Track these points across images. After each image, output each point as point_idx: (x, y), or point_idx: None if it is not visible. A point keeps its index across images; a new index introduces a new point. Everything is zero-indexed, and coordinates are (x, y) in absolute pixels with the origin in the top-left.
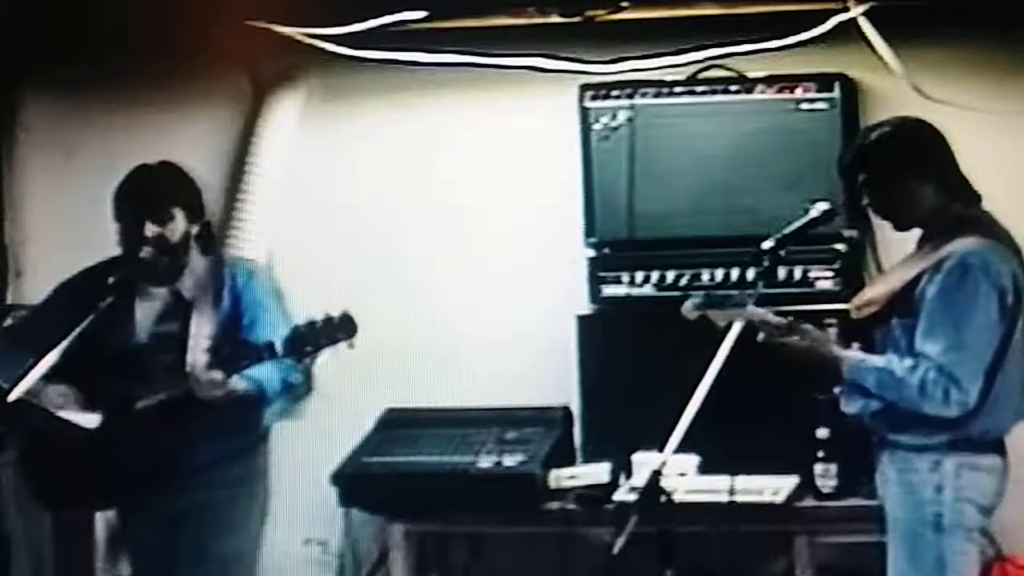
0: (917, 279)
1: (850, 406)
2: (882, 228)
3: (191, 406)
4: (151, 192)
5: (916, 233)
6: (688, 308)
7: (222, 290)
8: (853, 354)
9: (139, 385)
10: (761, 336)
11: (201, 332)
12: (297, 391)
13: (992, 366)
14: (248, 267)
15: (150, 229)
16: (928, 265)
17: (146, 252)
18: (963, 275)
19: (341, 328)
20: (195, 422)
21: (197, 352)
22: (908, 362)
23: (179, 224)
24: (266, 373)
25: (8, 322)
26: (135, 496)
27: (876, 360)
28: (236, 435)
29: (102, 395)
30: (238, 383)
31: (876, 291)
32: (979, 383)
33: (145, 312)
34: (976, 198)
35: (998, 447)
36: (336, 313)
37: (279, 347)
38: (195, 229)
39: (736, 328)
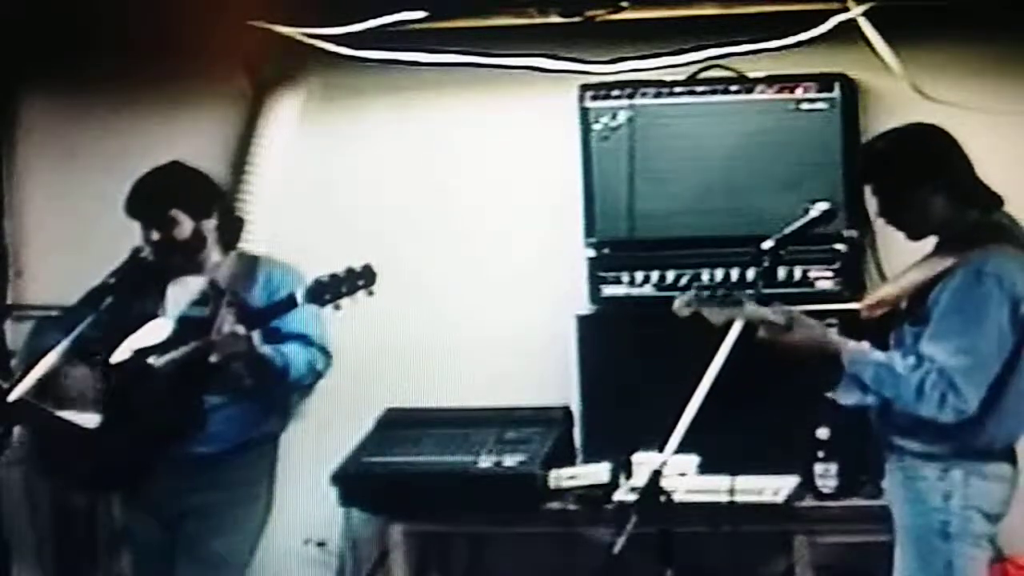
0: (931, 285)
1: (846, 398)
2: (882, 228)
3: (207, 369)
4: (149, 199)
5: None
6: (679, 305)
7: (256, 284)
8: (855, 345)
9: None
10: (761, 333)
11: (230, 312)
12: (321, 375)
13: (1000, 376)
14: (283, 265)
15: (154, 235)
16: (943, 271)
17: (153, 254)
18: (977, 282)
19: (362, 277)
20: (211, 386)
21: (224, 319)
22: (911, 361)
23: (185, 224)
24: (294, 351)
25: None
26: (143, 482)
27: (878, 355)
28: (252, 417)
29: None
30: (262, 346)
31: (888, 292)
32: (981, 392)
33: (177, 296)
34: (996, 203)
35: (1008, 455)
36: (357, 265)
37: (300, 297)
38: (208, 224)
39: (736, 328)
